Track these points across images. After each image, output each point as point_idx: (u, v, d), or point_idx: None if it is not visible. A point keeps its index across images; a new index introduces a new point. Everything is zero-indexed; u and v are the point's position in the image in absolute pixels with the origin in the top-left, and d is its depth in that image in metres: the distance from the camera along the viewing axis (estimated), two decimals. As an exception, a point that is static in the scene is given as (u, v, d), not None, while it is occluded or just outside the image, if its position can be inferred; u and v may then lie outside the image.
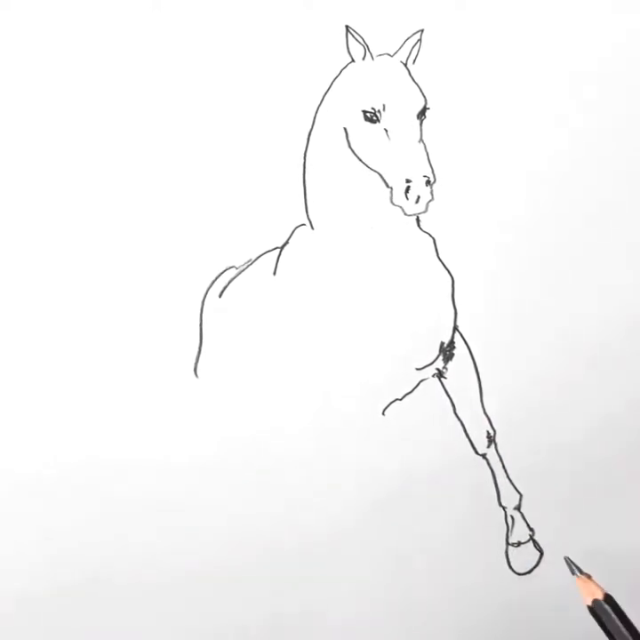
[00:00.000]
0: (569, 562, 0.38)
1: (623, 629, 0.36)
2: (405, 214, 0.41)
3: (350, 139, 0.40)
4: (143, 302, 0.39)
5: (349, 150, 0.41)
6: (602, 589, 0.37)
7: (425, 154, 0.41)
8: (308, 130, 0.40)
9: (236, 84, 0.39)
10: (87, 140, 0.38)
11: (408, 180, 0.41)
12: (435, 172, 0.41)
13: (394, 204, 0.41)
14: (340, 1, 0.40)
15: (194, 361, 0.40)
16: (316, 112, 0.40)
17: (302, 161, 0.40)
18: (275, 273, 0.41)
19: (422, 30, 0.40)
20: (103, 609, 0.40)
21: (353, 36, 0.40)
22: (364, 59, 0.40)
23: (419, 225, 0.42)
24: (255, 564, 0.42)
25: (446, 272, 0.42)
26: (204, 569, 0.41)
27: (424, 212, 0.41)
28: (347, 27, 0.40)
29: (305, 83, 0.40)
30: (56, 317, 0.39)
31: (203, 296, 0.40)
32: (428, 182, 0.41)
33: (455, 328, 0.42)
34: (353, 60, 0.40)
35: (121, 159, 0.39)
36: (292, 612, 0.42)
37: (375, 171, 0.41)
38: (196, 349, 0.40)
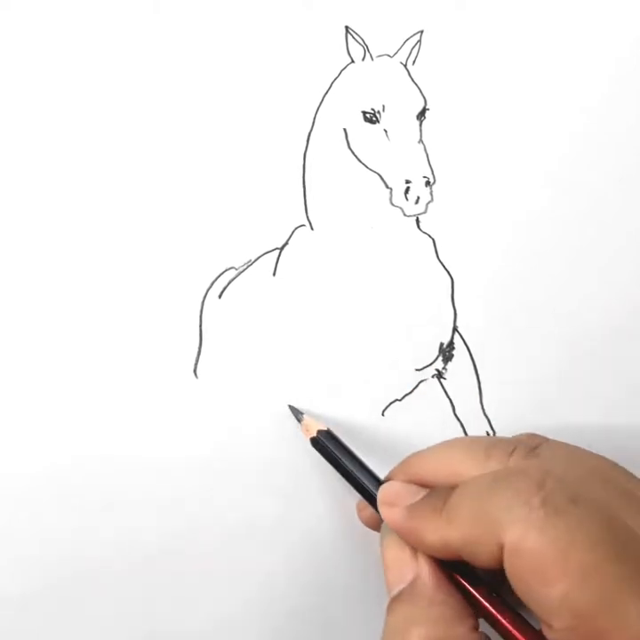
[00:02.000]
0: (291, 408, 0.41)
1: (343, 458, 0.38)
2: (405, 215, 0.41)
3: (350, 139, 0.40)
4: (143, 303, 0.39)
5: (349, 151, 0.41)
6: (322, 423, 0.39)
7: (425, 155, 0.41)
8: (308, 130, 0.40)
9: (235, 84, 0.39)
10: (87, 141, 0.38)
11: (408, 181, 0.41)
12: (434, 173, 0.41)
13: (393, 205, 0.41)
14: (340, 1, 0.40)
15: (194, 361, 0.40)
16: (316, 113, 0.40)
17: (302, 162, 0.40)
18: (274, 274, 0.41)
19: (422, 31, 0.40)
20: (101, 608, 0.40)
21: (353, 36, 0.40)
22: (363, 59, 0.40)
23: (418, 226, 0.42)
24: (255, 563, 0.42)
25: (446, 273, 0.42)
26: (203, 569, 0.41)
27: (424, 212, 0.41)
28: (346, 27, 0.40)
29: (304, 83, 0.40)
30: (55, 317, 0.39)
31: (202, 297, 0.40)
32: (427, 183, 0.41)
33: (455, 329, 0.42)
34: (352, 61, 0.40)
35: (121, 160, 0.39)
36: (296, 609, 0.42)
37: (375, 171, 0.41)
38: (196, 350, 0.40)
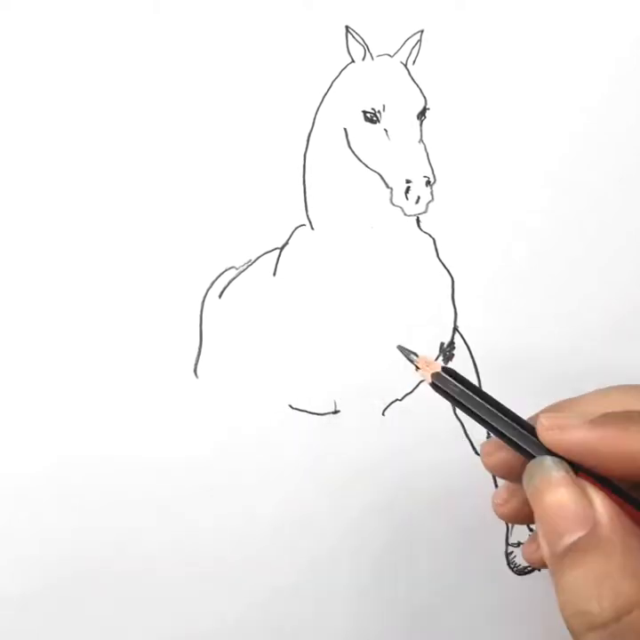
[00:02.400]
0: (402, 349, 0.34)
1: (469, 391, 0.31)
2: (405, 215, 0.41)
3: (350, 139, 0.40)
4: (143, 303, 0.39)
5: (349, 151, 0.41)
6: (439, 363, 0.33)
7: (425, 154, 0.41)
8: (308, 130, 0.40)
9: (235, 85, 0.39)
10: (87, 141, 0.38)
11: (408, 181, 0.41)
12: (435, 173, 0.41)
13: (394, 205, 0.41)
14: (340, 1, 0.40)
15: (194, 361, 0.40)
16: (316, 113, 0.40)
17: (302, 162, 0.40)
18: (275, 273, 0.41)
19: (422, 31, 0.40)
20: (101, 608, 0.40)
21: (353, 36, 0.40)
22: (363, 59, 0.40)
23: (419, 225, 0.42)
24: (255, 563, 0.42)
25: (446, 272, 0.42)
26: (203, 569, 0.41)
27: (424, 212, 0.41)
28: (347, 27, 0.40)
29: (305, 83, 0.40)
30: (56, 318, 0.39)
31: (202, 296, 0.40)
32: (428, 183, 0.41)
33: (455, 328, 0.42)
34: (353, 61, 0.40)
35: (121, 161, 0.39)
36: (294, 611, 0.42)
37: (375, 171, 0.41)
38: (196, 350, 0.40)
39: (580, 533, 0.26)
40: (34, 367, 0.39)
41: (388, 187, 0.41)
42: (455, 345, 0.43)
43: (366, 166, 0.41)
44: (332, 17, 0.40)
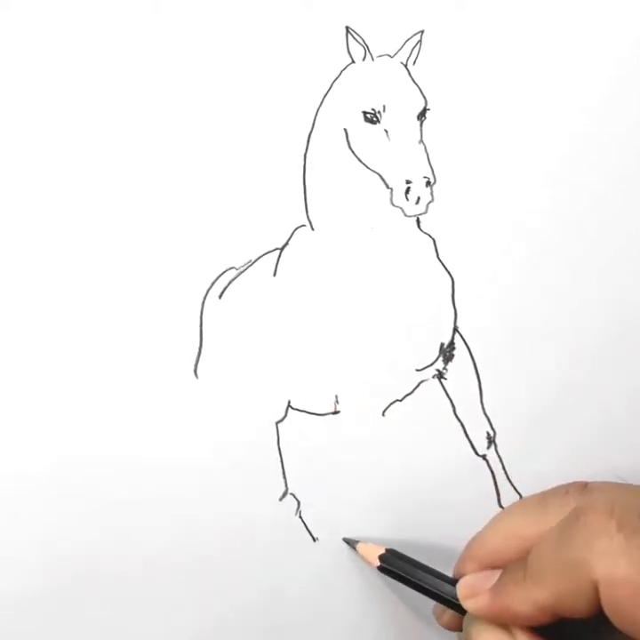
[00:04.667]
0: (347, 541, 0.41)
1: (417, 570, 0.38)
2: (405, 215, 0.41)
3: (350, 140, 0.40)
4: (143, 303, 0.39)
5: (349, 151, 0.41)
6: (380, 546, 0.40)
7: (425, 155, 0.41)
8: (308, 131, 0.40)
9: (235, 85, 0.39)
10: (87, 141, 0.38)
11: (408, 181, 0.41)
12: (435, 173, 0.41)
13: (394, 205, 0.41)
14: (340, 1, 0.40)
15: (194, 362, 0.40)
16: (316, 113, 0.40)
17: (302, 162, 0.40)
18: (275, 274, 0.41)
19: (422, 31, 0.40)
20: (101, 608, 0.40)
21: (353, 36, 0.40)
22: (364, 60, 0.40)
23: (419, 226, 0.42)
24: (255, 563, 0.42)
25: (446, 273, 0.42)
26: (203, 569, 0.41)
27: (424, 213, 0.41)
28: (347, 28, 0.40)
29: (305, 84, 0.40)
30: (56, 318, 0.39)
31: (203, 297, 0.40)
32: (428, 183, 0.41)
33: (455, 329, 0.42)
34: (353, 61, 0.40)
35: (121, 161, 0.39)
36: (295, 611, 0.42)
37: (375, 172, 0.41)
38: (196, 350, 0.40)
39: None
40: (34, 367, 0.39)
41: (388, 187, 0.41)
42: (455, 345, 0.43)
43: (366, 167, 0.41)
44: (332, 17, 0.40)
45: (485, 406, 0.43)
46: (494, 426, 0.43)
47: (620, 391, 0.44)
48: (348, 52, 0.40)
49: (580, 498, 0.33)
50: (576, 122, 0.42)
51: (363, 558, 0.40)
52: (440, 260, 0.42)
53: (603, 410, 0.44)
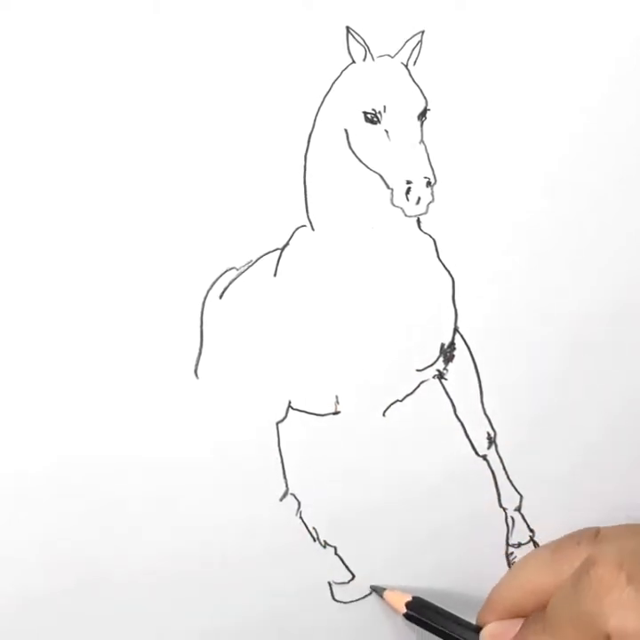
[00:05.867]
0: (374, 589, 0.42)
1: (443, 619, 0.40)
2: (406, 215, 0.41)
3: (351, 140, 0.40)
4: (143, 303, 0.39)
5: (350, 151, 0.41)
6: (406, 594, 0.41)
7: (426, 155, 0.41)
8: (309, 131, 0.40)
9: (235, 85, 0.39)
10: (87, 141, 0.38)
11: (409, 182, 0.41)
12: (435, 174, 0.41)
13: (394, 206, 0.41)
14: (341, 1, 0.40)
15: (194, 362, 0.40)
16: (317, 113, 0.40)
17: (303, 162, 0.40)
18: (275, 274, 0.41)
19: (423, 31, 0.40)
20: (101, 608, 0.40)
21: (353, 37, 0.40)
22: (364, 60, 0.40)
23: (419, 226, 0.42)
24: (256, 563, 0.42)
25: (447, 273, 0.42)
26: (204, 569, 0.41)
27: (425, 213, 0.41)
28: (347, 28, 0.40)
29: (305, 84, 0.40)
30: (56, 318, 0.39)
31: (203, 297, 0.40)
32: (428, 183, 0.41)
33: (456, 329, 0.42)
34: (353, 62, 0.40)
35: (121, 161, 0.39)
36: (295, 611, 0.42)
37: (376, 172, 0.41)
38: (197, 350, 0.40)
39: None
40: (34, 367, 0.39)
41: (388, 187, 0.41)
42: (456, 346, 0.43)
43: (367, 167, 0.41)
44: (332, 17, 0.40)
45: (486, 406, 0.43)
46: (495, 426, 0.43)
47: (620, 391, 0.44)
48: (349, 52, 0.40)
49: (591, 547, 0.33)
50: (576, 122, 0.42)
51: (389, 605, 0.42)
52: (440, 260, 0.42)
53: (603, 410, 0.44)
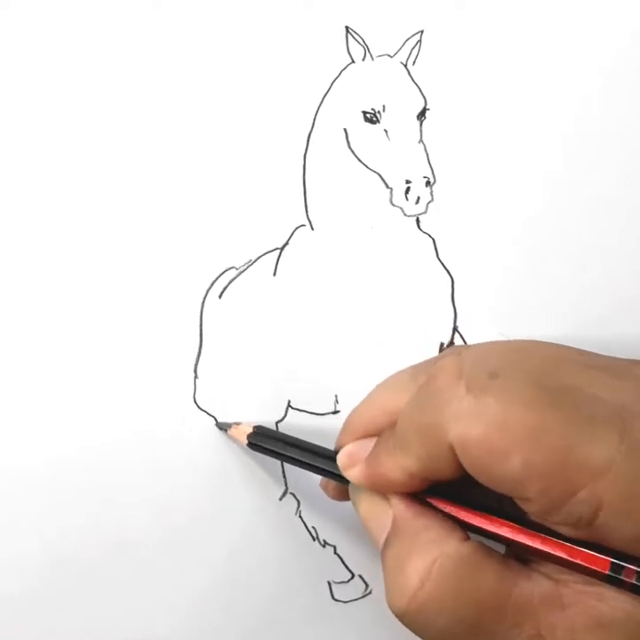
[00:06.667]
0: (220, 426, 0.41)
1: (285, 450, 0.38)
2: (405, 215, 0.41)
3: (350, 139, 0.40)
4: (143, 303, 0.39)
5: (349, 151, 0.41)
6: (249, 425, 0.40)
7: (425, 155, 0.41)
8: (308, 131, 0.40)
9: (235, 84, 0.39)
10: (87, 140, 0.38)
11: (408, 181, 0.41)
12: (435, 173, 0.41)
13: (394, 205, 0.41)
14: (340, 1, 0.40)
15: (194, 361, 0.40)
16: (316, 113, 0.40)
17: (302, 162, 0.40)
18: (275, 273, 0.41)
19: (422, 31, 0.40)
20: (101, 608, 0.40)
21: (353, 36, 0.40)
22: (363, 59, 0.40)
23: (418, 226, 0.42)
24: (256, 564, 0.42)
25: (446, 273, 0.42)
26: (204, 568, 0.41)
27: (424, 212, 0.41)
28: (347, 27, 0.40)
29: (304, 84, 0.40)
30: (56, 317, 0.39)
31: (203, 297, 0.40)
32: (427, 183, 0.41)
33: (455, 329, 0.42)
34: (353, 61, 0.40)
35: (120, 160, 0.39)
36: (295, 612, 0.42)
37: (375, 171, 0.41)
38: (196, 350, 0.40)
39: (385, 534, 0.32)
40: (33, 366, 0.39)
41: (387, 187, 0.41)
42: (455, 345, 0.43)
43: (366, 167, 0.41)
44: (332, 17, 0.40)
45: (485, 406, 0.43)
46: (494, 426, 0.43)
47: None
48: (348, 52, 0.40)
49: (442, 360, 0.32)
50: (576, 122, 0.42)
51: (232, 438, 0.41)
52: (440, 260, 0.42)
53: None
